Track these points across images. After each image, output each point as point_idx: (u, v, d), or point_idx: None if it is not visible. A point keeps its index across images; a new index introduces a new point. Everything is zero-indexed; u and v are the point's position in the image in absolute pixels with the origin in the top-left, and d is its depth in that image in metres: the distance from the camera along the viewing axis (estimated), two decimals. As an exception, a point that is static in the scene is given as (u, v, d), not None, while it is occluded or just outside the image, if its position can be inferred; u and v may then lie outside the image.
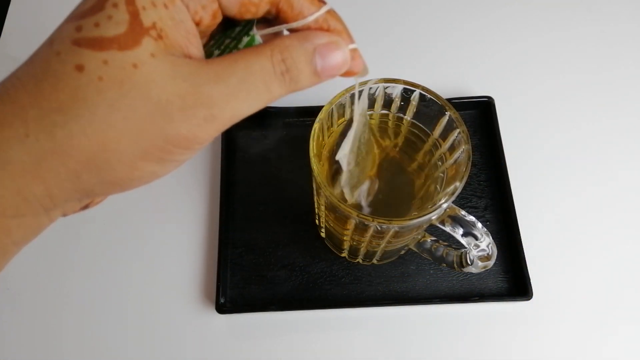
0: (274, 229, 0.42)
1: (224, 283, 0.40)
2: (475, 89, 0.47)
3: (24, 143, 0.16)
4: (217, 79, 0.17)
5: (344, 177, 0.30)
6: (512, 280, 0.40)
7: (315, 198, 0.36)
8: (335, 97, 0.31)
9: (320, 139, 0.33)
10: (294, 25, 0.19)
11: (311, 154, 0.30)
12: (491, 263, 0.33)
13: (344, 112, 0.33)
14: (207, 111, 0.17)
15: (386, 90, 0.33)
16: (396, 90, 0.32)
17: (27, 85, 0.16)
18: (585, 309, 0.40)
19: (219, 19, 0.19)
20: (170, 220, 0.43)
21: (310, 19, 0.19)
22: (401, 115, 0.35)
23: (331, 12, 0.20)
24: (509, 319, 0.40)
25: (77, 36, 0.16)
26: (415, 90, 0.32)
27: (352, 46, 0.20)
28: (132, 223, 0.43)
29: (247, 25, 0.20)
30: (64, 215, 0.19)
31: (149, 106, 0.17)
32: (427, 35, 0.51)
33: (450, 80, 0.48)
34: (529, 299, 0.39)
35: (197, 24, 0.18)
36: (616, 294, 0.40)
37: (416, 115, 0.34)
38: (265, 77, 0.18)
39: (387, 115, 0.35)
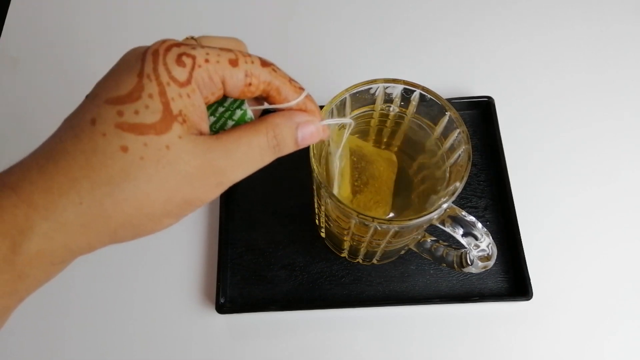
0: (274, 229, 0.42)
1: (224, 283, 0.40)
2: (475, 89, 0.47)
3: (78, 210, 0.20)
4: (226, 153, 0.22)
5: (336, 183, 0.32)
6: (512, 280, 0.40)
7: (315, 198, 0.36)
8: (335, 97, 0.31)
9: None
10: (280, 106, 0.24)
11: (311, 154, 0.30)
12: (491, 263, 0.33)
13: (344, 112, 0.33)
14: (218, 179, 0.22)
15: (386, 90, 0.32)
16: (396, 90, 0.32)
17: (78, 161, 0.20)
18: (585, 308, 0.40)
19: (220, 99, 0.23)
20: (170, 220, 0.43)
21: (293, 103, 0.24)
22: (401, 115, 0.35)
23: (308, 97, 0.25)
24: (509, 319, 0.40)
25: (119, 121, 0.20)
26: (415, 90, 0.32)
27: (323, 123, 0.26)
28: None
29: (238, 100, 0.24)
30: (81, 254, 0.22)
31: (178, 178, 0.21)
32: (427, 35, 0.51)
33: (450, 80, 0.48)
34: (529, 299, 0.39)
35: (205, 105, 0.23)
36: (616, 294, 0.40)
37: (416, 115, 0.34)
38: (262, 150, 0.23)
39: (387, 115, 0.35)
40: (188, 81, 0.21)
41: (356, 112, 0.34)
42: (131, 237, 0.22)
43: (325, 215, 0.35)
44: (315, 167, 0.30)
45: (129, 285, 0.41)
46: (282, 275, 0.41)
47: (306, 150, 0.30)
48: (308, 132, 0.25)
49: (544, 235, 0.42)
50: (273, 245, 0.42)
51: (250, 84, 0.23)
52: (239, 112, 0.24)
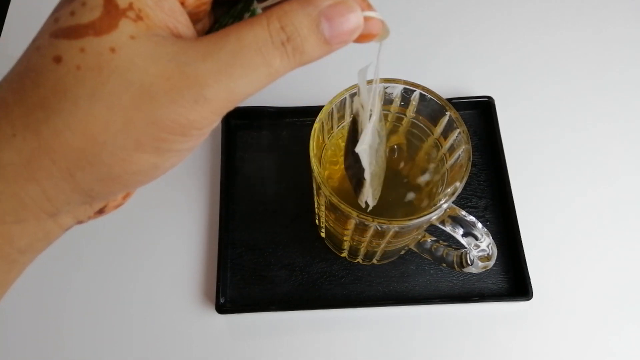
0: (274, 229, 0.42)
1: (224, 283, 0.40)
2: (475, 89, 0.47)
3: (12, 143, 0.16)
4: (205, 56, 0.16)
5: (367, 180, 0.27)
6: (512, 280, 0.40)
7: (315, 198, 0.36)
8: (335, 97, 0.31)
9: (320, 139, 0.33)
10: None
11: (311, 154, 0.30)
12: (491, 263, 0.33)
13: (344, 112, 0.33)
14: (196, 92, 0.16)
15: (386, 90, 0.33)
16: (396, 90, 0.32)
17: (12, 84, 0.16)
18: (585, 308, 0.40)
19: None
20: (170, 220, 0.43)
21: None
22: (401, 115, 0.35)
23: None
24: (509, 319, 0.40)
25: (54, 28, 0.16)
26: (415, 90, 0.32)
27: (367, 13, 0.18)
28: (132, 223, 0.43)
29: (247, 1, 0.18)
30: (79, 222, 0.19)
31: (132, 91, 0.15)
32: (427, 35, 0.51)
33: (450, 80, 0.48)
34: (529, 299, 0.39)
35: (182, 3, 0.17)
36: (616, 294, 0.40)
37: (416, 115, 0.34)
38: (262, 49, 0.16)
39: (386, 115, 0.35)
40: None
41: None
42: (102, 185, 0.17)
43: (325, 215, 0.35)
44: (315, 167, 0.30)
45: (129, 285, 0.41)
46: (282, 275, 0.41)
47: (306, 150, 0.30)
48: (342, 22, 0.17)
49: (544, 235, 0.42)
50: (273, 245, 0.42)
51: None
52: (246, 16, 0.18)
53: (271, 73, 0.17)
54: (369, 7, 0.18)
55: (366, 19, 0.18)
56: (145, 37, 0.16)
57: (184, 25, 0.17)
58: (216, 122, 0.17)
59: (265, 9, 0.17)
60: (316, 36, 0.17)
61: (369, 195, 0.27)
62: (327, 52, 0.18)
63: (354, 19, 0.17)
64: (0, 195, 0.16)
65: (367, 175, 0.26)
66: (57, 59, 0.16)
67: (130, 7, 0.16)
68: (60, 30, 0.16)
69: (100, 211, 0.20)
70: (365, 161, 0.25)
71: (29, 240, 0.18)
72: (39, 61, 0.16)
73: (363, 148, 0.24)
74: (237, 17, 0.18)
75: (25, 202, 0.16)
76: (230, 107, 0.17)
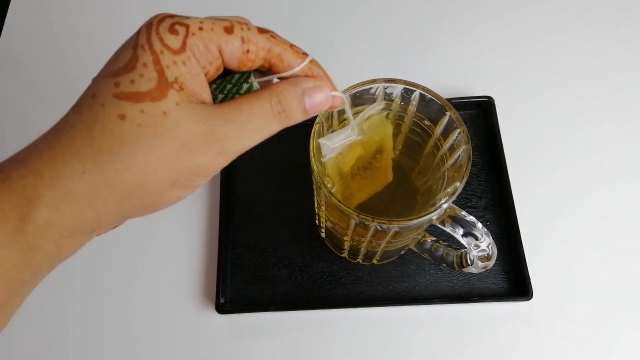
0: (274, 229, 0.42)
1: (224, 283, 0.40)
2: (475, 89, 0.47)
3: (82, 178, 0.20)
4: (227, 120, 0.22)
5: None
6: (512, 280, 0.40)
7: (315, 198, 0.36)
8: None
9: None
10: (285, 74, 0.24)
11: (311, 154, 0.30)
12: (491, 263, 0.33)
13: (344, 112, 0.33)
14: (220, 147, 0.22)
15: (386, 90, 0.32)
16: (396, 90, 0.32)
17: (79, 132, 0.20)
18: (585, 308, 0.40)
19: (221, 71, 0.23)
20: (170, 220, 0.43)
21: (298, 68, 0.24)
22: (401, 115, 0.35)
23: (313, 62, 0.25)
24: (509, 319, 0.40)
25: (116, 91, 0.20)
26: (415, 90, 0.32)
27: (333, 93, 0.25)
28: (132, 224, 0.43)
29: (244, 74, 0.24)
30: (98, 234, 0.22)
31: (177, 145, 0.21)
32: (427, 35, 0.51)
33: (450, 80, 0.48)
34: (529, 299, 0.39)
35: (205, 75, 0.22)
36: (616, 294, 0.40)
37: (416, 115, 0.34)
38: (265, 117, 0.23)
39: (387, 115, 0.35)
40: (182, 49, 0.21)
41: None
42: (140, 211, 0.22)
43: (325, 215, 0.35)
44: (315, 167, 0.30)
45: (129, 285, 0.41)
46: (282, 275, 0.41)
47: (306, 149, 0.30)
48: (317, 99, 0.24)
49: (544, 235, 0.42)
50: (273, 245, 0.42)
51: (248, 51, 0.23)
52: (245, 86, 0.23)
53: (268, 133, 0.23)
54: (334, 88, 0.25)
55: (333, 96, 0.25)
56: (185, 103, 0.21)
57: (206, 93, 0.22)
58: (225, 166, 0.23)
59: (260, 83, 0.24)
60: (301, 107, 0.24)
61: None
62: (305, 118, 0.24)
63: (325, 97, 0.25)
64: (64, 217, 0.20)
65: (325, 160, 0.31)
66: (122, 117, 0.20)
67: (176, 80, 0.21)
68: (123, 94, 0.20)
69: (115, 226, 0.24)
70: (324, 151, 0.31)
71: (70, 250, 0.22)
72: (105, 117, 0.20)
73: (323, 142, 0.31)
74: (236, 85, 0.24)
75: (81, 223, 0.21)
76: (237, 156, 0.23)
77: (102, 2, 0.54)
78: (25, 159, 0.20)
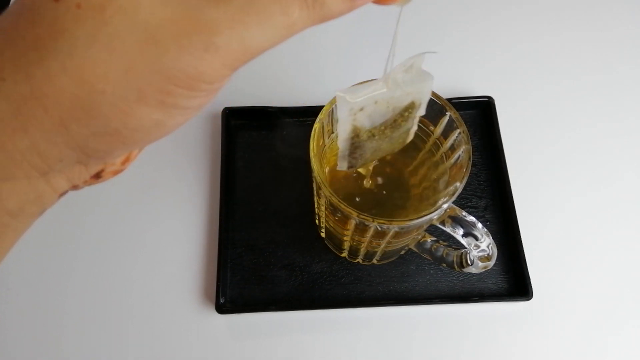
0: (274, 229, 0.42)
1: (224, 283, 0.40)
2: (475, 89, 0.47)
3: (1, 88, 0.14)
4: (217, 0, 0.15)
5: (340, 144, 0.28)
6: (512, 280, 0.40)
7: (315, 198, 0.36)
8: (335, 96, 0.31)
9: (321, 139, 0.33)
10: None
11: (311, 154, 0.30)
12: (491, 263, 0.33)
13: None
14: (206, 38, 0.14)
15: (386, 90, 0.32)
16: (396, 90, 0.32)
17: (2, 24, 0.15)
18: (585, 309, 0.40)
19: None
20: (170, 220, 0.43)
21: None
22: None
23: None
24: (509, 319, 0.40)
25: None
26: (415, 90, 0.32)
27: None
28: (132, 223, 0.43)
29: None
30: (74, 187, 0.17)
31: (136, 34, 0.14)
32: (427, 35, 0.51)
33: (450, 80, 0.48)
34: (529, 299, 0.39)
35: None
36: (616, 294, 0.40)
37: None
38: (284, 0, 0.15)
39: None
40: None
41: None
42: (100, 141, 0.15)
43: (326, 215, 0.35)
44: (315, 167, 0.30)
45: (129, 285, 0.41)
46: (282, 275, 0.41)
47: (306, 149, 0.30)
48: None
49: (544, 235, 0.42)
50: (273, 245, 0.42)
51: None
52: None
53: (289, 24, 0.15)
54: None
55: None
56: None
57: None
58: (227, 77, 0.16)
59: None
60: None
61: (343, 159, 0.28)
62: (349, 9, 0.17)
63: None
64: None
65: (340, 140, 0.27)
66: None
67: None
68: None
69: (97, 175, 0.18)
70: (339, 110, 0.25)
71: (19, 201, 0.16)
72: (37, 1, 0.14)
73: (342, 95, 0.24)
74: None
75: (13, 156, 0.15)
76: (242, 60, 0.15)
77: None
78: None
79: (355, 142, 0.28)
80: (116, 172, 0.18)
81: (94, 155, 0.16)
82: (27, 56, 0.14)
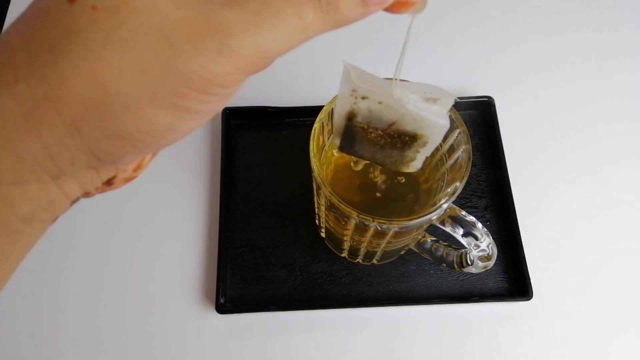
0: (274, 229, 0.42)
1: (224, 283, 0.40)
2: (475, 89, 0.47)
3: (13, 90, 0.14)
4: (232, 2, 0.14)
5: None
6: (512, 280, 0.40)
7: (315, 198, 0.36)
8: (335, 96, 0.31)
9: (320, 139, 0.33)
10: None
11: (311, 154, 0.30)
12: (491, 263, 0.33)
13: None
14: (220, 41, 0.14)
15: (386, 90, 0.32)
16: (396, 90, 0.32)
17: (15, 26, 0.15)
18: (585, 308, 0.40)
19: None
20: (170, 220, 0.43)
21: None
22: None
23: None
24: (509, 319, 0.40)
25: None
26: (415, 90, 0.32)
27: None
28: (132, 223, 0.43)
29: None
30: (86, 194, 0.17)
31: (150, 36, 0.14)
32: (427, 35, 0.51)
33: (450, 80, 0.48)
34: (529, 299, 0.39)
35: None
36: (616, 294, 0.40)
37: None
38: (299, 3, 0.15)
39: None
40: None
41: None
42: (111, 145, 0.15)
43: (326, 215, 0.35)
44: (315, 167, 0.30)
45: (129, 285, 0.41)
46: (282, 275, 0.41)
47: (306, 149, 0.30)
48: None
49: (544, 235, 0.42)
50: (273, 245, 0.42)
51: None
52: None
53: (303, 29, 0.15)
54: None
55: None
56: None
57: None
58: (240, 82, 0.16)
59: None
60: None
61: (337, 135, 0.28)
62: (363, 15, 0.17)
63: None
64: None
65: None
66: (71, 0, 0.14)
67: None
68: None
69: (109, 182, 0.18)
70: (342, 86, 0.25)
71: (31, 206, 0.16)
72: (51, 3, 0.14)
73: (349, 66, 0.24)
74: None
75: (25, 159, 0.14)
76: (256, 65, 0.15)
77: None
78: None
79: (349, 126, 0.27)
80: (128, 180, 0.19)
81: (106, 159, 0.16)
82: (41, 58, 0.14)
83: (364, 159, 0.30)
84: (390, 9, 0.17)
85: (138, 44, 0.14)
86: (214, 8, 0.14)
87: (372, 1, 0.16)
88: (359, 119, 0.26)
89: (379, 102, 0.25)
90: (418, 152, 0.27)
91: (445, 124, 0.25)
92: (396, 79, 0.24)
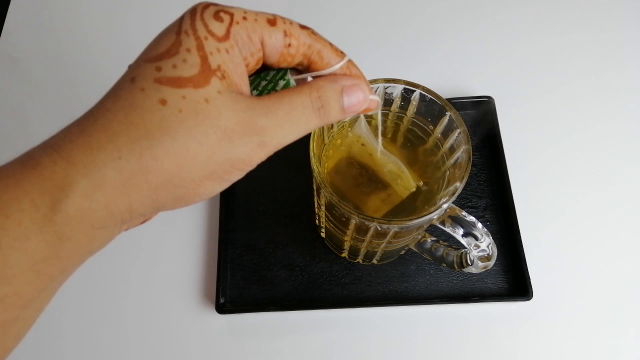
0: (274, 229, 0.42)
1: (224, 283, 0.40)
2: (475, 89, 0.47)
3: (117, 165, 0.19)
4: (268, 112, 0.21)
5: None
6: (512, 280, 0.40)
7: (315, 198, 0.36)
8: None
9: (321, 139, 0.33)
10: (322, 72, 0.23)
11: (311, 154, 0.30)
12: (491, 263, 0.33)
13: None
14: (260, 138, 0.21)
15: (386, 90, 0.32)
16: (397, 90, 0.32)
17: (117, 116, 0.19)
18: (585, 308, 0.40)
19: (260, 65, 0.23)
20: (170, 220, 0.43)
21: (337, 66, 0.23)
22: (401, 115, 0.35)
23: (351, 62, 0.24)
24: (509, 319, 0.40)
25: (158, 75, 0.20)
26: (415, 90, 0.32)
27: (370, 96, 0.24)
28: (132, 223, 0.43)
29: (280, 71, 0.23)
30: (127, 229, 0.22)
31: (219, 133, 0.20)
32: (427, 35, 0.51)
33: (450, 80, 0.48)
34: (529, 299, 0.39)
35: (245, 67, 0.22)
36: (616, 294, 0.40)
37: (416, 115, 0.34)
38: (305, 111, 0.22)
39: (387, 115, 0.35)
40: (226, 36, 0.21)
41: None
42: (173, 203, 0.21)
43: (326, 215, 0.35)
44: (315, 167, 0.30)
45: (129, 285, 0.41)
46: (282, 275, 0.41)
47: (306, 150, 0.30)
48: (355, 98, 0.24)
49: (544, 235, 0.42)
50: (273, 245, 0.42)
51: (289, 45, 0.22)
52: (281, 83, 0.23)
53: (307, 128, 0.23)
54: (371, 91, 0.25)
55: (371, 100, 0.25)
56: (227, 92, 0.20)
57: (245, 85, 0.22)
58: (261, 161, 0.22)
59: (297, 80, 0.23)
60: (339, 105, 0.23)
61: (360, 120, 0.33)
62: (342, 118, 0.24)
63: (363, 96, 0.24)
64: (96, 205, 0.19)
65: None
66: (163, 102, 0.19)
67: (219, 68, 0.20)
68: (165, 78, 0.20)
69: (144, 221, 0.23)
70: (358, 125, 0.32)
71: (100, 243, 0.21)
72: (146, 101, 0.19)
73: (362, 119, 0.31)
74: (271, 82, 0.23)
75: (113, 212, 0.20)
76: (274, 151, 0.22)
77: (102, 2, 0.54)
78: (57, 144, 0.19)
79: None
80: (153, 217, 0.24)
81: (161, 210, 0.22)
82: (139, 142, 0.19)
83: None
84: (360, 112, 0.25)
85: (209, 138, 0.20)
86: (256, 115, 0.21)
87: (349, 110, 0.24)
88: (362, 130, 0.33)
89: (370, 154, 0.33)
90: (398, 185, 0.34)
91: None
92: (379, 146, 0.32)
